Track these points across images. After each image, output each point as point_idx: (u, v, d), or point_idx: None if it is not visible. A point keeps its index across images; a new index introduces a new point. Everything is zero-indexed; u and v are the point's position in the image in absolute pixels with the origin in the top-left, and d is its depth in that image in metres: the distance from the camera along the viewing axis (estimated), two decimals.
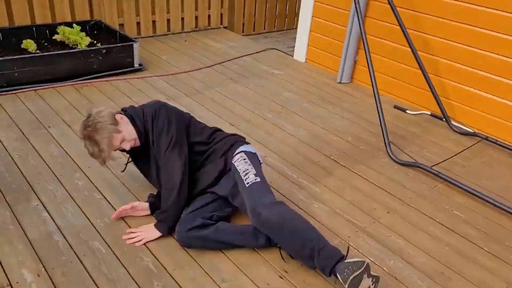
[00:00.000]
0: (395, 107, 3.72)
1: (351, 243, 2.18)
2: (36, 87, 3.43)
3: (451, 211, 2.50)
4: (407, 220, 2.39)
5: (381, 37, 3.84)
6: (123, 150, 2.13)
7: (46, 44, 3.87)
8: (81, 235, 2.06)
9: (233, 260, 2.00)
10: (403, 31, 3.41)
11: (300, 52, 4.61)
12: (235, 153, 2.17)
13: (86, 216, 2.19)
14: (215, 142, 2.22)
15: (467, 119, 3.45)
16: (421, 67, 3.43)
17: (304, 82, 4.10)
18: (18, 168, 2.50)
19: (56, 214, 2.18)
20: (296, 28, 6.20)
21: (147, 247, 2.02)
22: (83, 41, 3.86)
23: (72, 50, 3.59)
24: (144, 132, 2.10)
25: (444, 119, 3.49)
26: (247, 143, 2.28)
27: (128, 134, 2.04)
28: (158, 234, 2.07)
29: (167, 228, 2.07)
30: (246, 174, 2.06)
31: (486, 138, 3.28)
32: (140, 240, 2.04)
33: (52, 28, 4.04)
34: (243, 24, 5.69)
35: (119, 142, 2.02)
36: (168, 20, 5.02)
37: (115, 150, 2.07)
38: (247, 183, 2.03)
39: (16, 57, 3.33)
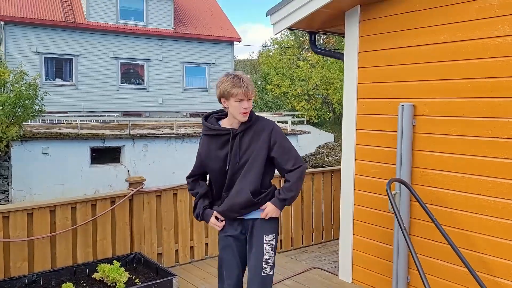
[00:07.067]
0: None
1: None
2: None
3: None
4: None
5: (431, 256, 3.62)
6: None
7: (84, 285, 3.80)
8: None
9: None
10: (454, 249, 3.22)
11: (345, 272, 4.37)
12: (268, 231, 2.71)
13: None
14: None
15: None
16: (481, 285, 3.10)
17: None
18: None
19: None
20: (334, 239, 6.12)
21: None
22: (122, 277, 3.80)
23: None
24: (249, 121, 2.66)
25: None
26: None
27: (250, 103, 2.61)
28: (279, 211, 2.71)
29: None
30: (267, 263, 2.65)
31: None
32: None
33: (92, 266, 4.04)
34: (280, 240, 5.64)
35: (250, 95, 2.56)
36: (206, 244, 5.01)
37: (240, 101, 2.56)
38: (264, 272, 2.64)
39: None
